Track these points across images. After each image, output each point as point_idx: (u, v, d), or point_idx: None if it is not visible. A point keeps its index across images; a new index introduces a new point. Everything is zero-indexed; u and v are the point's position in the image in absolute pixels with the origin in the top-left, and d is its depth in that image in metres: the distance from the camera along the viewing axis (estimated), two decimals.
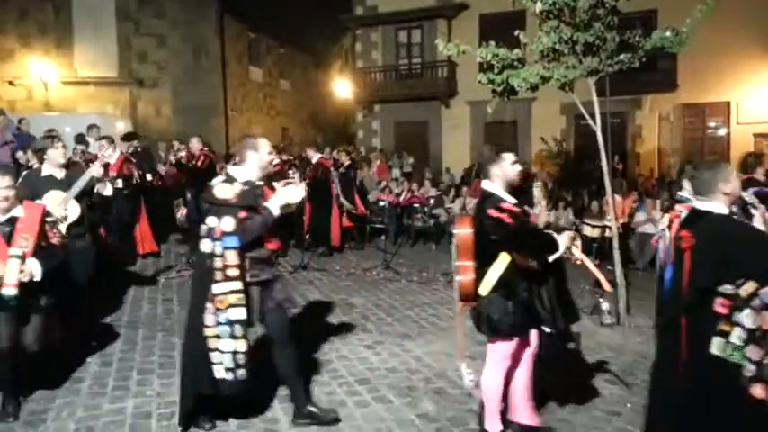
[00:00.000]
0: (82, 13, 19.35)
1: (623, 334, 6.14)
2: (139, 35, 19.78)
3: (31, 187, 4.87)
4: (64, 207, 5.03)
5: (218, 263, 3.50)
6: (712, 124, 17.24)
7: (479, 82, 6.80)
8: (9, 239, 3.77)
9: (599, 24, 6.06)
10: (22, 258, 3.72)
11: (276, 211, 3.60)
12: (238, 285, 3.53)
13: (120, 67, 19.79)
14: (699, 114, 17.19)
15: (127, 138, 10.51)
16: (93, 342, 5.34)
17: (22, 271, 3.69)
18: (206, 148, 9.83)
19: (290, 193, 3.71)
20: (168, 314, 6.47)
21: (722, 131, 17.03)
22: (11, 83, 19.11)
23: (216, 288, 3.51)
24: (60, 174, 5.20)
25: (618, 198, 10.37)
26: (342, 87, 23.63)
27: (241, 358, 3.55)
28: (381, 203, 12.13)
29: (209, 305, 3.53)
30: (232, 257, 3.50)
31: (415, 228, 12.14)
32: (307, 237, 10.28)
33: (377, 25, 20.39)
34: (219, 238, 3.50)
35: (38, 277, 3.79)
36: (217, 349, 3.54)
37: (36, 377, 4.61)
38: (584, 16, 6.05)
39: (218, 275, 3.50)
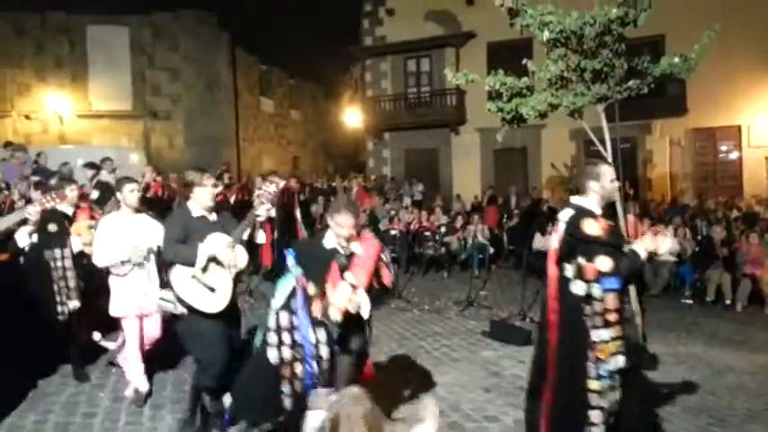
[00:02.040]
0: (97, 47, 19.80)
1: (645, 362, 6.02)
2: (153, 69, 20.20)
3: (184, 228, 4.04)
4: (233, 253, 4.08)
5: (597, 307, 3.24)
6: (724, 148, 17.14)
7: (488, 110, 6.85)
8: (345, 270, 3.59)
9: (606, 52, 6.09)
10: (354, 288, 3.52)
11: (644, 255, 3.29)
12: (619, 331, 3.26)
13: (135, 101, 20.16)
14: (710, 138, 17.11)
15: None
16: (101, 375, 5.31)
17: (350, 300, 3.48)
18: (158, 178, 9.87)
19: (660, 242, 3.35)
20: (180, 348, 6.42)
21: (734, 155, 16.92)
22: (27, 116, 19.49)
23: (596, 335, 3.24)
24: (212, 215, 4.20)
25: (631, 217, 10.29)
26: (352, 116, 23.84)
27: (614, 412, 3.25)
28: (392, 232, 12.11)
29: (590, 354, 3.24)
30: (612, 301, 3.25)
31: (427, 256, 12.09)
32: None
33: (386, 55, 20.63)
34: (596, 279, 3.25)
35: (365, 313, 3.59)
36: (599, 407, 3.22)
37: (48, 411, 4.60)
38: (591, 44, 6.09)
39: (598, 321, 3.23)
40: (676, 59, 6.17)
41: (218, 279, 3.95)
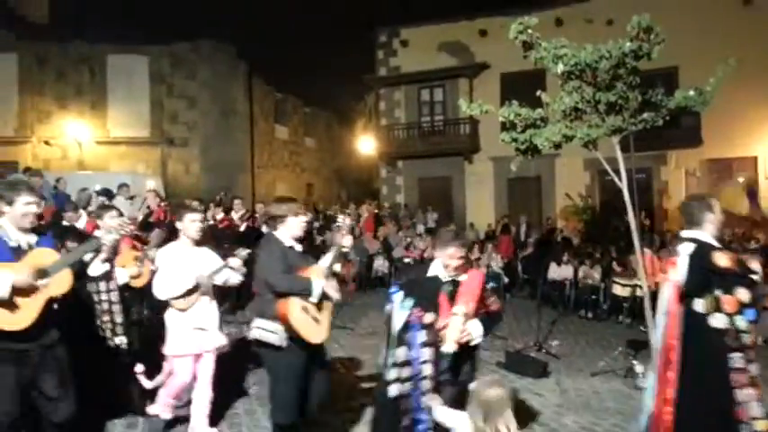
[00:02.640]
0: (116, 75, 20.24)
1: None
2: (171, 97, 20.59)
3: (282, 259, 3.99)
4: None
5: (745, 339, 3.25)
6: (740, 179, 17.03)
7: (502, 140, 6.85)
8: (452, 299, 3.64)
9: (621, 84, 6.10)
10: (465, 318, 3.56)
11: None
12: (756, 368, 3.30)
13: (152, 128, 20.50)
14: (726, 169, 17.02)
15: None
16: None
17: (463, 330, 3.52)
18: (163, 203, 9.69)
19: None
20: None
21: None
22: (47, 142, 19.86)
23: (738, 363, 3.26)
24: (299, 246, 4.22)
25: (648, 253, 10.19)
26: (366, 144, 24.02)
27: None
28: (406, 260, 12.10)
29: (749, 391, 3.26)
30: (753, 332, 3.29)
31: None
32: None
33: (400, 84, 20.88)
34: (738, 311, 3.26)
35: (477, 340, 3.65)
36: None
37: None
38: (605, 76, 6.10)
39: (744, 353, 3.26)
40: (691, 92, 6.15)
41: (318, 310, 3.96)
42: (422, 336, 3.52)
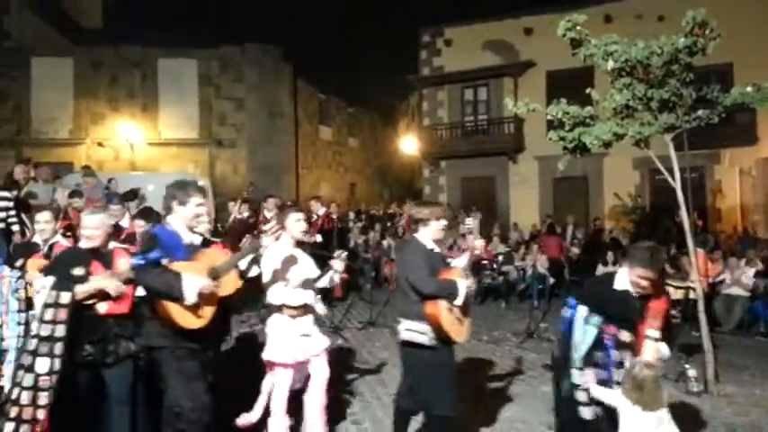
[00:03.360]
0: (167, 79, 20.81)
1: (712, 403, 5.73)
2: (220, 99, 21.06)
3: (427, 261, 3.98)
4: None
5: None
6: None
7: (550, 139, 6.78)
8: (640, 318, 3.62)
9: (674, 81, 5.96)
10: (658, 339, 3.49)
11: None
12: None
13: (201, 129, 21.01)
14: None
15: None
16: None
17: (658, 352, 3.44)
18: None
19: None
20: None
21: None
22: (100, 144, 20.56)
23: None
24: (437, 248, 4.17)
25: (701, 252, 9.89)
26: (408, 144, 24.03)
27: None
28: (448, 260, 12.03)
29: None
30: None
31: (484, 285, 11.94)
32: None
33: (443, 84, 20.80)
34: None
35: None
36: None
37: None
38: (658, 73, 5.97)
39: None
40: (749, 89, 5.96)
41: (459, 310, 4.02)
42: (616, 355, 3.51)
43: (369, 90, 28.00)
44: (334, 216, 11.54)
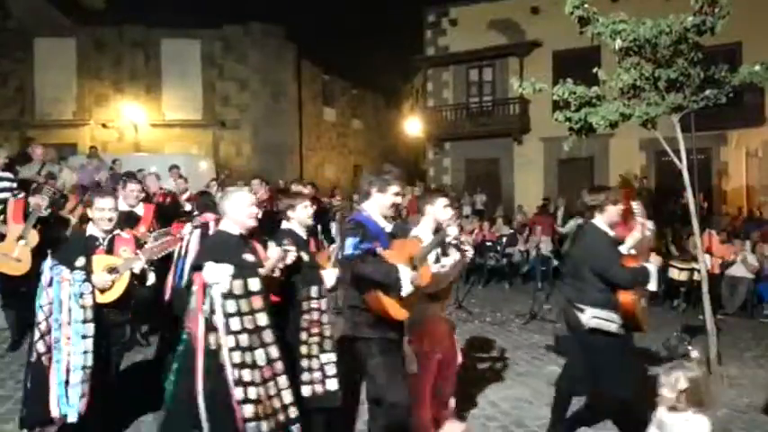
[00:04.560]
0: (170, 60, 20.70)
1: (715, 385, 5.74)
2: (223, 80, 20.96)
3: (613, 249, 4.05)
4: None
5: None
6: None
7: (556, 120, 6.71)
8: None
9: (682, 60, 5.88)
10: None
11: None
12: None
13: (205, 110, 20.94)
14: None
15: None
16: None
17: None
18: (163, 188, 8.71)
19: None
20: None
21: None
22: (104, 125, 20.55)
23: None
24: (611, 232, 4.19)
25: (715, 235, 9.85)
26: (413, 125, 23.91)
27: None
28: (454, 242, 12.03)
29: None
30: None
31: (488, 267, 11.94)
32: None
33: (448, 64, 20.63)
34: None
35: None
36: None
37: None
38: (665, 52, 5.89)
39: None
40: (757, 68, 5.88)
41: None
42: None
43: (373, 71, 27.78)
44: (338, 200, 11.42)
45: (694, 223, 6.41)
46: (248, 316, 3.27)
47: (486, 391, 5.45)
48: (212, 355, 3.22)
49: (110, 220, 3.95)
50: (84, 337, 3.55)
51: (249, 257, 3.45)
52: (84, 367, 3.53)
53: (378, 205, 3.63)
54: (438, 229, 3.94)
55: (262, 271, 3.42)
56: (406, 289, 3.34)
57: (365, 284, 3.43)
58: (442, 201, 4.11)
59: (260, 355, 3.26)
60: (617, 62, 6.28)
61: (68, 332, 3.52)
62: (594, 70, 6.48)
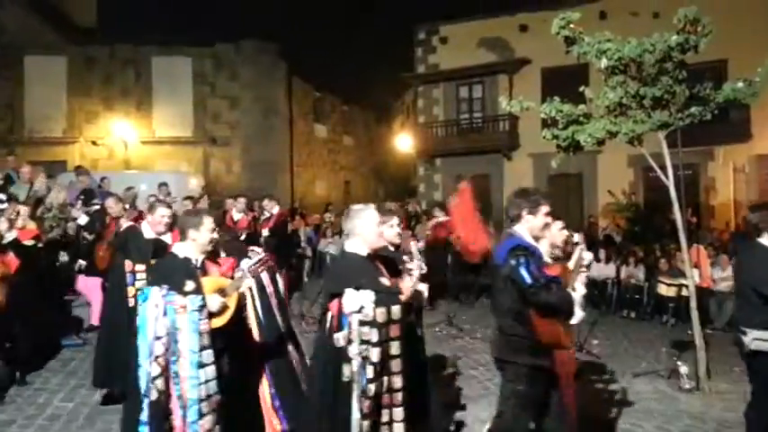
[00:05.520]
0: (161, 77, 20.72)
1: (704, 400, 5.76)
2: (214, 97, 20.99)
3: None
4: None
5: None
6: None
7: (544, 137, 6.78)
8: None
9: (667, 78, 5.97)
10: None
11: None
12: None
13: (195, 127, 20.94)
14: None
15: None
16: None
17: None
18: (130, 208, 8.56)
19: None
20: None
21: None
22: (94, 143, 20.47)
23: None
24: None
25: (703, 250, 9.90)
26: (403, 142, 24.02)
27: None
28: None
29: None
30: None
31: (480, 283, 11.93)
32: None
33: (438, 82, 20.79)
34: None
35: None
36: None
37: (107, 430, 4.72)
38: (651, 70, 5.98)
39: None
40: (740, 85, 5.98)
41: None
42: None
43: (364, 88, 28.09)
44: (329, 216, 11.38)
45: (682, 238, 6.47)
46: (385, 344, 3.18)
47: (475, 409, 5.43)
48: (343, 387, 3.15)
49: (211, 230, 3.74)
50: (200, 366, 3.31)
51: (384, 281, 3.35)
52: (200, 400, 3.30)
53: (529, 227, 3.57)
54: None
55: (402, 298, 3.31)
56: (578, 315, 3.34)
57: (540, 312, 3.34)
58: (558, 224, 4.04)
59: (384, 384, 3.20)
60: (603, 80, 6.36)
61: (185, 363, 3.29)
62: (581, 89, 6.56)
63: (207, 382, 3.33)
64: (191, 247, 3.59)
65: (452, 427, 4.96)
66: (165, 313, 3.30)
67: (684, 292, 7.03)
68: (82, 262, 7.64)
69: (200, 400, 3.30)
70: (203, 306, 3.35)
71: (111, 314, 5.22)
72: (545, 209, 3.57)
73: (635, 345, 8.33)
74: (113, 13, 25.09)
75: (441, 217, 9.73)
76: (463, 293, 11.70)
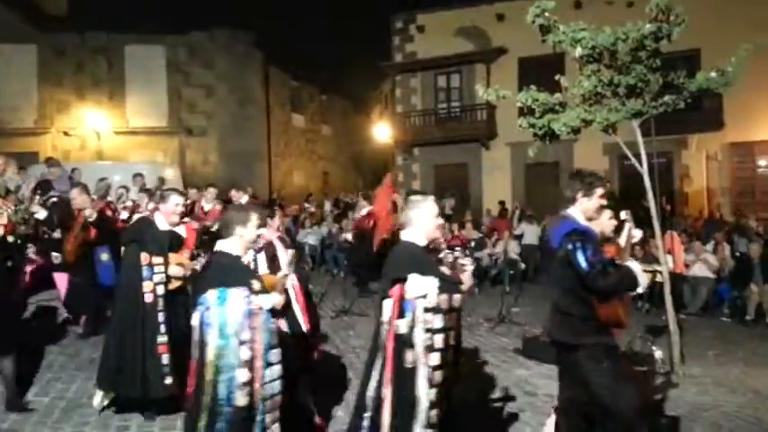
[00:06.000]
0: (134, 66, 20.37)
1: (678, 384, 5.87)
2: (189, 86, 20.71)
3: None
4: None
5: None
6: (763, 163, 16.74)
7: (520, 126, 6.81)
8: None
9: (641, 67, 6.02)
10: None
11: None
12: None
13: (170, 117, 20.64)
14: (748, 153, 16.73)
15: None
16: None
17: None
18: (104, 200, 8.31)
19: None
20: None
21: None
22: (66, 133, 20.09)
23: None
24: None
25: (676, 237, 10.06)
26: (382, 131, 23.97)
27: None
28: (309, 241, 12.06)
29: None
30: None
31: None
32: None
33: (416, 71, 20.75)
34: None
35: None
36: None
37: (84, 423, 4.67)
38: (625, 59, 6.03)
39: None
40: (713, 74, 6.06)
41: None
42: None
43: (341, 77, 27.93)
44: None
45: (656, 225, 6.56)
46: (448, 332, 3.19)
47: (456, 396, 5.45)
48: (407, 373, 3.10)
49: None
50: (269, 364, 3.30)
51: (445, 270, 3.35)
52: (264, 399, 3.28)
53: (583, 209, 3.52)
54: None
55: (463, 288, 3.33)
56: (644, 283, 3.32)
57: (600, 296, 3.36)
58: (608, 213, 3.93)
59: (445, 374, 3.22)
60: (578, 69, 6.40)
61: (259, 364, 3.27)
62: (557, 77, 6.59)
63: (272, 381, 3.32)
64: (236, 243, 3.48)
65: None
66: (248, 314, 3.24)
67: (659, 278, 7.12)
68: (56, 254, 7.40)
69: (264, 400, 3.29)
70: (272, 305, 3.38)
71: (123, 312, 4.76)
72: (600, 191, 3.53)
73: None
74: (84, 1, 24.50)
75: (366, 207, 9.74)
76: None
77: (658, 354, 6.23)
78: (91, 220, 6.77)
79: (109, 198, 8.28)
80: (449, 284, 3.20)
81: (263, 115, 22.57)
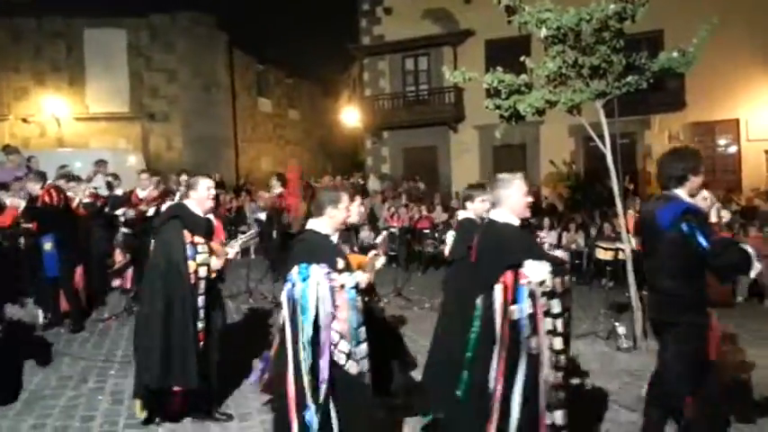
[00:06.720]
0: (94, 50, 19.81)
1: (641, 358, 6.01)
2: (150, 70, 20.23)
3: None
4: None
5: None
6: (722, 142, 17.14)
7: (486, 107, 6.84)
8: None
9: (604, 48, 6.08)
10: None
11: None
12: None
13: (132, 102, 20.17)
14: (708, 132, 17.11)
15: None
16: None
17: None
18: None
19: None
20: None
21: (732, 149, 16.92)
22: (25, 120, 19.50)
23: None
24: None
25: (631, 214, 10.24)
26: (350, 115, 23.85)
27: None
28: (392, 229, 12.11)
29: None
30: None
31: (426, 254, 12.07)
32: None
33: (384, 54, 20.62)
34: None
35: None
36: None
37: (46, 415, 4.60)
38: (589, 40, 6.08)
39: None
40: (675, 54, 6.16)
41: None
42: None
43: (309, 60, 27.49)
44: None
45: (618, 205, 6.68)
46: (564, 316, 3.14)
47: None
48: (531, 358, 3.05)
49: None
50: (358, 343, 3.31)
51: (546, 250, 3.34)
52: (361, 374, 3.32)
53: (690, 188, 3.52)
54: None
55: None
56: (757, 267, 3.25)
57: (718, 273, 3.37)
58: (705, 193, 3.94)
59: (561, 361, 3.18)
60: (544, 50, 6.43)
61: (344, 343, 3.26)
62: (522, 58, 6.62)
63: (362, 359, 3.33)
64: (327, 223, 3.53)
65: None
66: (330, 291, 3.23)
67: (621, 256, 7.26)
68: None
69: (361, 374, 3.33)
70: (357, 284, 3.35)
71: (169, 292, 4.19)
72: (702, 168, 3.57)
73: (575, 308, 8.55)
74: None
75: (277, 188, 9.89)
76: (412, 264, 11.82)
77: (622, 329, 6.38)
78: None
79: (71, 183, 7.92)
80: (557, 267, 3.16)
81: (228, 99, 22.21)
